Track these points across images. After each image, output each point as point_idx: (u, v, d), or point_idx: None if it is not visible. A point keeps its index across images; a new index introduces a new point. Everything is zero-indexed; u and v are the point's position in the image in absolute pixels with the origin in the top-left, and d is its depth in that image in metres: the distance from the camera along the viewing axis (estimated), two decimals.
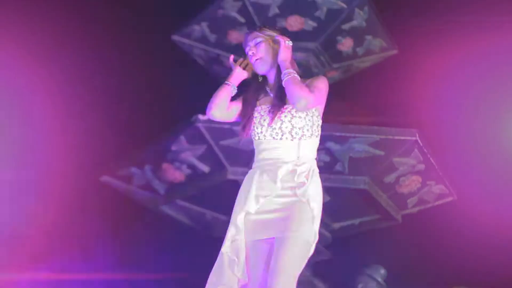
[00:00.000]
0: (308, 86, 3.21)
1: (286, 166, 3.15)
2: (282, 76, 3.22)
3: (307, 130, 3.20)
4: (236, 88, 3.34)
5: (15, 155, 6.01)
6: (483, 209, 6.05)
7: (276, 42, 3.33)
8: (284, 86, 3.19)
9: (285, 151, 3.19)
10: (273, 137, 3.21)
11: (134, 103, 6.44)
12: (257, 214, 3.16)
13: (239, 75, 3.36)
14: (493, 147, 6.34)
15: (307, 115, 3.20)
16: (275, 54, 3.31)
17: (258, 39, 3.34)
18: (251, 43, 3.35)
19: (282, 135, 3.20)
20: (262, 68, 3.33)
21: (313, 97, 3.15)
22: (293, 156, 3.18)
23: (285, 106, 3.22)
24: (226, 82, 3.33)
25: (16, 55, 5.93)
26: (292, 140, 3.19)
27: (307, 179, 3.13)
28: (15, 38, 5.96)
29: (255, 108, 3.31)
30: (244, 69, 3.37)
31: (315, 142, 3.26)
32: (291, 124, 3.19)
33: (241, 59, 3.39)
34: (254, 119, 3.28)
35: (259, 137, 3.25)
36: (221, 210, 6.11)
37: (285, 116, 3.20)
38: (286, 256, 3.01)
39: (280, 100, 3.24)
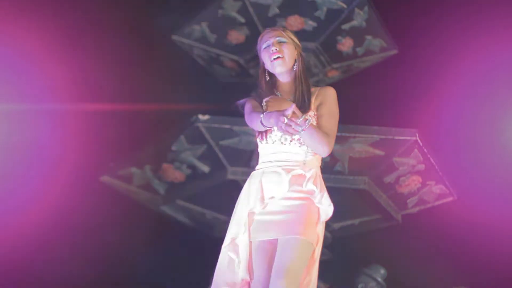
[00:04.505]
0: (320, 117, 3.17)
1: (294, 170, 3.16)
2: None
3: None
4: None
5: (15, 155, 6.01)
6: (483, 209, 6.05)
7: (297, 47, 3.29)
8: (300, 137, 3.14)
9: (292, 156, 3.20)
10: (282, 142, 3.22)
11: (134, 103, 6.44)
12: (261, 215, 3.16)
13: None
14: (493, 147, 6.33)
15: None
16: (294, 61, 3.28)
17: (283, 39, 3.27)
18: (273, 40, 3.26)
19: (290, 141, 3.20)
20: (281, 68, 3.27)
21: (333, 141, 3.16)
22: (300, 161, 3.19)
23: None
24: (262, 122, 3.11)
25: (18, 54, 5.94)
26: (300, 146, 3.19)
27: (316, 186, 3.15)
28: (15, 39, 5.96)
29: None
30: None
31: None
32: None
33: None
34: None
35: (267, 141, 3.25)
36: (221, 210, 6.11)
37: None
38: (292, 258, 3.01)
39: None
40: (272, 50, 3.24)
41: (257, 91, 3.37)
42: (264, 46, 3.28)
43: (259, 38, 3.34)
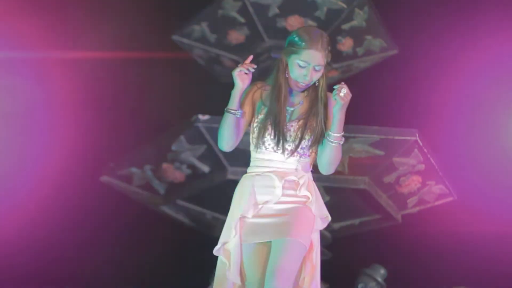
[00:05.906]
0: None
1: (287, 176, 3.16)
2: (331, 136, 3.13)
3: (308, 149, 3.20)
4: (240, 112, 3.19)
5: (14, 154, 6.01)
6: (483, 209, 6.05)
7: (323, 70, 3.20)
8: (328, 148, 3.14)
9: (283, 164, 3.20)
10: (274, 150, 3.22)
11: (134, 103, 6.44)
12: (255, 218, 3.17)
13: (239, 90, 3.11)
14: (493, 147, 6.33)
15: (312, 137, 3.19)
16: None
17: (319, 67, 3.14)
18: (312, 67, 3.13)
19: (283, 150, 3.20)
20: (300, 90, 3.22)
21: None
22: (292, 168, 3.20)
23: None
24: (227, 109, 3.19)
25: (17, 54, 5.94)
26: (292, 156, 3.20)
27: (311, 192, 3.16)
28: (14, 38, 5.97)
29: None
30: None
31: (313, 159, 3.26)
32: (294, 144, 3.19)
33: (245, 65, 3.08)
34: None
35: (260, 146, 3.25)
36: (221, 210, 6.11)
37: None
38: (285, 259, 3.03)
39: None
40: (304, 78, 3.14)
41: (269, 77, 3.27)
42: (300, 63, 3.13)
43: (306, 41, 3.11)
